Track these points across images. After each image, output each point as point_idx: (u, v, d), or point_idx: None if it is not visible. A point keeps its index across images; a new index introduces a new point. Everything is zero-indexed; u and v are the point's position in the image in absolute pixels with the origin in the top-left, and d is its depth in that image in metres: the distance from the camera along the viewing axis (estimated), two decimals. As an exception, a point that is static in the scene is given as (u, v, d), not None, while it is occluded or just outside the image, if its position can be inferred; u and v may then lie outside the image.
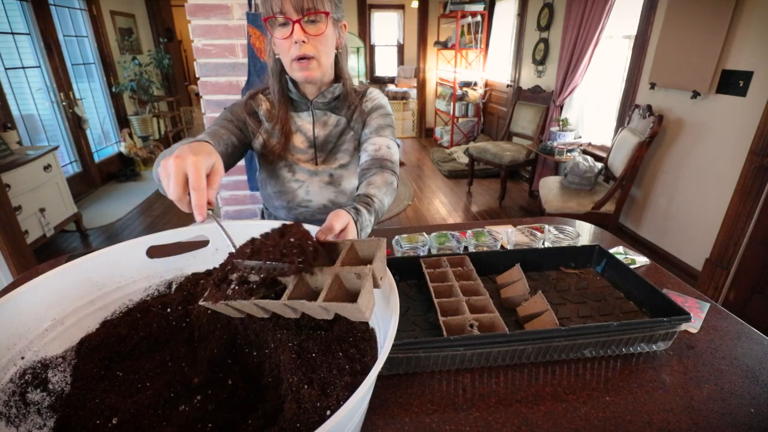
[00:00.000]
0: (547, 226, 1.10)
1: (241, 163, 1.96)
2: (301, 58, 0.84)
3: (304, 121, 1.00)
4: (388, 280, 0.55)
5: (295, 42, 0.82)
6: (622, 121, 2.98)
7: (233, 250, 0.53)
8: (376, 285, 0.52)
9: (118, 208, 3.69)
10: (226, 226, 0.55)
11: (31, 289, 0.56)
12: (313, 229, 0.59)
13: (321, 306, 0.48)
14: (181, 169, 0.52)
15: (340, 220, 0.60)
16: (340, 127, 1.01)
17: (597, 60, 3.21)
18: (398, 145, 0.98)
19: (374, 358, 0.56)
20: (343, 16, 0.90)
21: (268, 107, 0.99)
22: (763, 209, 1.94)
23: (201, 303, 0.53)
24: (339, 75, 0.97)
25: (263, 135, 0.99)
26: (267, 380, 0.59)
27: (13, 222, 2.25)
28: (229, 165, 0.92)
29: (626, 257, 1.03)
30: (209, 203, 0.53)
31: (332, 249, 0.56)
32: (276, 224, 0.56)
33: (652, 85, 2.61)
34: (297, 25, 0.80)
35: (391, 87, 6.29)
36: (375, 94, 1.03)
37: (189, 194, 0.53)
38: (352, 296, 0.47)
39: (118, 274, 0.66)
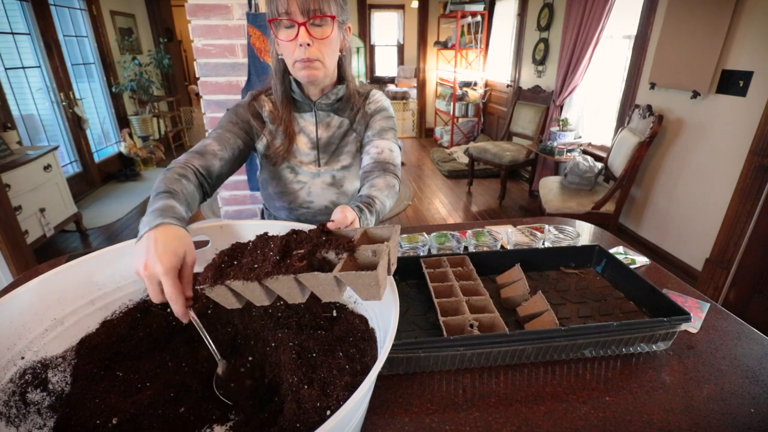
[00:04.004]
0: (547, 226, 1.10)
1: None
2: (304, 59, 0.84)
3: (307, 122, 1.00)
4: (389, 279, 0.55)
5: (300, 45, 0.82)
6: (622, 121, 2.98)
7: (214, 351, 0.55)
8: (387, 271, 0.51)
9: (118, 208, 3.69)
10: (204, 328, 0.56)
11: (31, 289, 0.56)
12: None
13: (336, 276, 0.46)
14: (155, 279, 0.53)
15: (349, 212, 0.60)
16: (343, 128, 1.01)
17: (597, 60, 3.21)
18: (400, 148, 0.98)
19: (374, 358, 0.56)
20: (347, 19, 0.90)
21: (271, 108, 0.99)
22: (763, 209, 1.94)
23: (198, 288, 0.53)
24: (342, 76, 0.97)
25: (267, 136, 0.99)
26: (267, 380, 0.59)
27: (13, 222, 2.25)
28: (233, 169, 0.93)
29: (626, 257, 1.03)
30: (188, 299, 0.54)
31: (346, 240, 0.56)
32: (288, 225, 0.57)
33: (652, 85, 2.61)
34: (302, 28, 0.80)
35: (391, 87, 6.29)
36: (378, 96, 1.03)
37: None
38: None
39: (118, 274, 0.66)
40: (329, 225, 0.56)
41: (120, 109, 4.75)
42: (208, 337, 0.56)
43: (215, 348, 0.56)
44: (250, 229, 0.70)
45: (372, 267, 0.46)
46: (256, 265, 0.51)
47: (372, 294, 0.47)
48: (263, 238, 0.56)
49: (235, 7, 1.77)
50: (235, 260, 0.54)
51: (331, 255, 0.52)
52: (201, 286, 0.52)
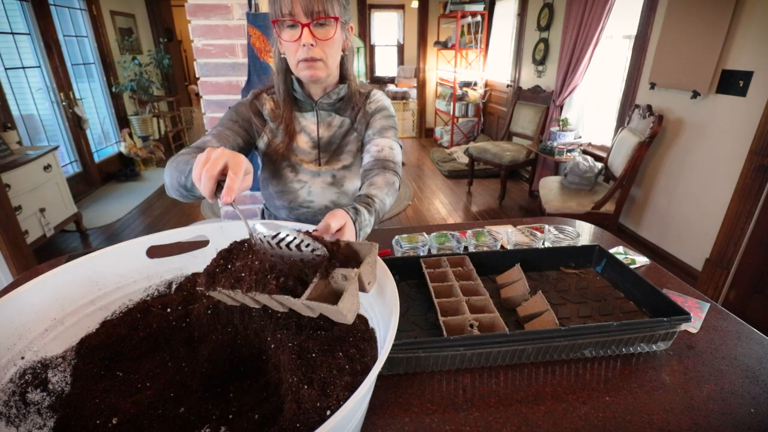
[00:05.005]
0: (547, 226, 1.10)
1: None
2: (307, 59, 0.85)
3: (308, 121, 1.00)
4: (389, 280, 0.55)
5: (303, 45, 0.82)
6: (622, 121, 2.98)
7: (250, 238, 0.53)
8: (363, 289, 0.52)
9: (118, 208, 3.69)
10: (224, 227, 0.56)
11: (31, 289, 0.56)
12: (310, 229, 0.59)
13: (304, 304, 0.47)
14: (225, 157, 0.53)
15: (336, 219, 0.60)
16: (344, 128, 1.01)
17: (597, 60, 3.21)
18: (401, 147, 0.98)
19: (374, 358, 0.56)
20: (350, 19, 0.91)
21: (272, 107, 0.99)
22: (763, 209, 1.94)
23: (198, 288, 0.54)
24: (344, 76, 0.97)
25: (268, 134, 0.99)
26: (267, 380, 0.59)
27: (13, 222, 2.24)
28: None
29: (626, 257, 1.03)
30: (230, 189, 0.53)
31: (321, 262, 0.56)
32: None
33: (652, 85, 2.61)
34: (306, 29, 0.80)
35: (391, 87, 6.28)
36: (378, 96, 1.03)
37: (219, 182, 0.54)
38: (338, 297, 0.47)
39: (118, 274, 0.66)
40: (313, 234, 0.57)
41: (120, 109, 4.75)
42: (245, 219, 0.55)
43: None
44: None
45: (341, 292, 0.47)
46: (243, 274, 0.52)
47: (340, 319, 0.48)
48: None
49: (235, 7, 1.77)
50: (230, 264, 0.55)
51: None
52: (200, 288, 0.53)
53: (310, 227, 0.61)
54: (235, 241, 0.58)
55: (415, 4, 5.80)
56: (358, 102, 1.00)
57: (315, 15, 0.80)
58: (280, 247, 0.50)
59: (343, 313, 0.46)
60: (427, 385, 0.67)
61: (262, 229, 0.50)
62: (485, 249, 1.03)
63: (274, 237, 0.50)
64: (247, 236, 0.58)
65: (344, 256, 0.55)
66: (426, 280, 0.85)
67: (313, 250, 0.49)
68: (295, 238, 0.49)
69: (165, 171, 0.80)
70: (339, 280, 0.52)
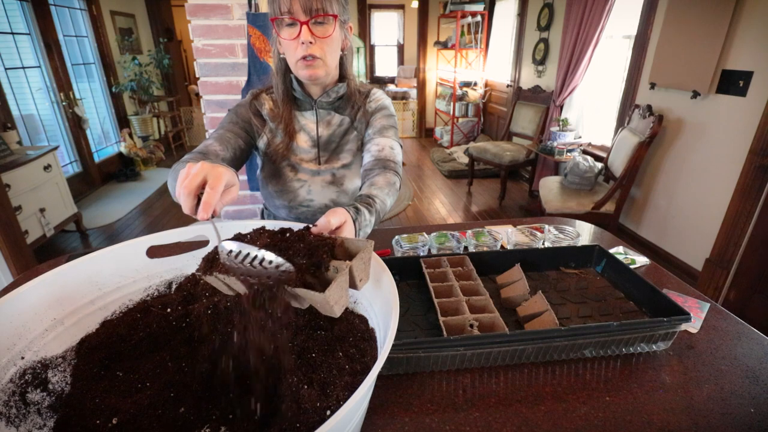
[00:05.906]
0: (547, 226, 1.10)
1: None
2: (306, 57, 0.85)
3: (308, 120, 1.00)
4: (385, 274, 0.55)
5: (302, 43, 0.82)
6: (622, 121, 2.98)
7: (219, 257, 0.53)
8: (354, 286, 0.51)
9: (118, 208, 3.69)
10: (220, 228, 0.56)
11: (31, 289, 0.56)
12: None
13: (291, 292, 0.47)
14: (204, 172, 0.53)
15: (336, 216, 0.60)
16: (343, 127, 1.01)
17: (597, 60, 3.21)
18: (401, 146, 0.98)
19: (374, 358, 0.56)
20: (349, 18, 0.91)
21: (271, 106, 0.99)
22: (763, 209, 1.94)
23: (196, 273, 0.55)
24: (343, 75, 0.97)
25: (267, 134, 1.00)
26: (267, 380, 0.59)
27: (13, 222, 2.25)
28: (237, 168, 0.93)
29: (626, 257, 1.03)
30: (214, 211, 0.53)
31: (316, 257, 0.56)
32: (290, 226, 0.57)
33: (652, 85, 2.61)
34: (305, 27, 0.80)
35: (391, 87, 6.29)
36: (379, 95, 1.03)
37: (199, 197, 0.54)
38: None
39: (118, 274, 0.66)
40: (312, 229, 0.57)
41: (120, 109, 4.75)
42: (219, 234, 0.55)
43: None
44: (249, 230, 0.70)
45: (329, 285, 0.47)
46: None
47: (327, 311, 0.48)
48: (258, 232, 0.57)
49: (235, 7, 1.77)
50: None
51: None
52: (198, 273, 0.54)
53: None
54: (240, 233, 0.59)
55: (415, 4, 5.80)
56: (357, 101, 1.00)
57: (314, 12, 0.80)
58: (245, 265, 0.49)
59: (330, 303, 0.46)
60: (427, 385, 0.67)
61: (232, 246, 0.49)
62: (485, 249, 1.03)
63: (238, 255, 0.49)
64: (249, 229, 0.59)
65: (341, 253, 0.55)
66: (426, 280, 0.85)
67: (277, 267, 0.48)
68: (256, 256, 0.48)
69: (168, 178, 0.80)
70: (332, 272, 0.52)
